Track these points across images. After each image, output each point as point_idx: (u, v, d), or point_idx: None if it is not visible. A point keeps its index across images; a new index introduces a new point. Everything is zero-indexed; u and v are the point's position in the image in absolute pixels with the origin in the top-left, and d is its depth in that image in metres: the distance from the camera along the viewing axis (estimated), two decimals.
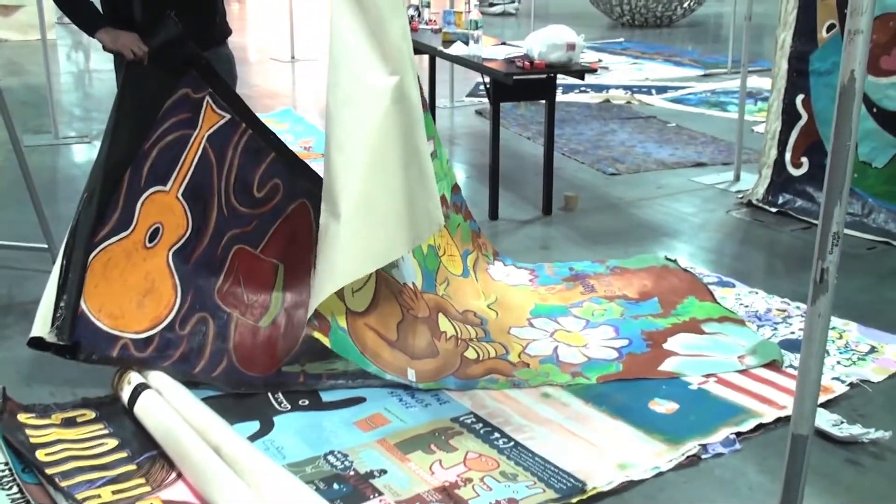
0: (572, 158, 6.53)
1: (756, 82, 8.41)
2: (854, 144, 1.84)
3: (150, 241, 3.33)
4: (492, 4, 15.78)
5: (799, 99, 5.22)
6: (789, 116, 5.30)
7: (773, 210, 5.30)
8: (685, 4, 14.43)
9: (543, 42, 4.99)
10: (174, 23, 3.39)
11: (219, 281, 3.43)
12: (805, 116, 5.21)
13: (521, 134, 7.23)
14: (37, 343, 3.10)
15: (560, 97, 5.57)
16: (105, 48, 3.56)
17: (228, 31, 3.93)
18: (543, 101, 5.26)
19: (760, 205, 5.39)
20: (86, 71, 10.91)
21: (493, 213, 5.27)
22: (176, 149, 3.41)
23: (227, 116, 3.50)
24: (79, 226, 3.21)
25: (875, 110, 4.85)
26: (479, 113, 7.82)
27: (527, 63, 5.00)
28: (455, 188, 4.39)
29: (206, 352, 3.25)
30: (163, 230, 3.36)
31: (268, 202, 3.57)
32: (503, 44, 5.83)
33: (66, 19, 13.28)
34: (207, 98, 3.47)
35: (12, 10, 8.29)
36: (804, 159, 5.24)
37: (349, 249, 3.13)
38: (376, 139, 3.18)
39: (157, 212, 3.36)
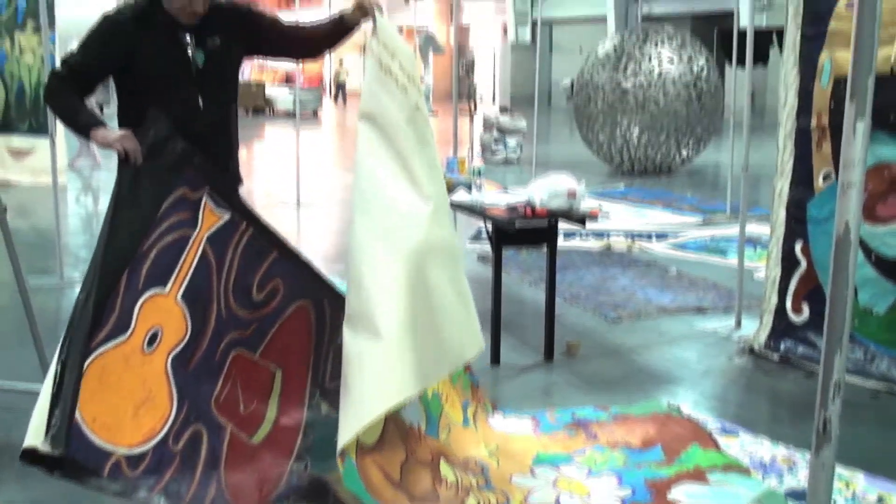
0: (574, 304, 6.56)
1: (755, 229, 8.50)
2: (852, 292, 1.86)
3: (149, 346, 3.21)
4: (494, 152, 16.10)
5: (798, 246, 5.28)
6: (788, 263, 5.35)
7: (776, 357, 5.29)
8: (684, 153, 14.72)
9: (545, 189, 5.08)
10: (162, 119, 3.34)
11: (216, 388, 3.33)
12: (804, 263, 5.25)
13: (522, 279, 7.28)
14: (30, 456, 2.94)
15: (561, 243, 5.63)
16: (98, 146, 3.53)
17: (240, 181, 3.95)
18: (545, 247, 5.32)
19: (763, 351, 5.38)
20: (94, 214, 11.07)
21: (495, 358, 5.25)
22: (175, 250, 3.31)
23: (227, 216, 3.44)
24: (75, 329, 3.09)
25: (873, 257, 4.90)
26: (481, 258, 7.88)
27: (529, 210, 5.08)
28: None
29: (197, 474, 3.14)
30: (162, 334, 3.25)
31: (267, 304, 3.51)
32: (505, 191, 5.93)
33: (78, 163, 13.46)
34: (206, 198, 3.40)
35: (24, 154, 8.46)
36: (805, 306, 5.26)
37: (398, 369, 3.18)
38: (415, 263, 3.30)
39: (156, 315, 3.24)
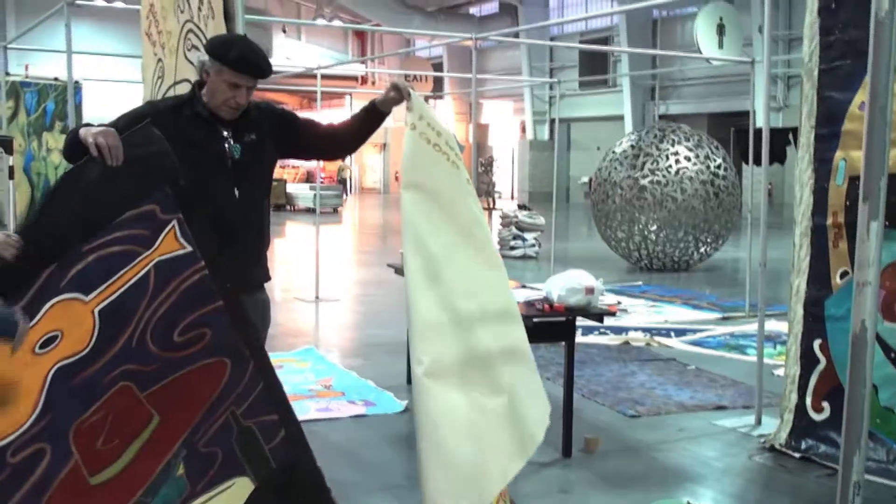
0: (592, 400, 6.52)
1: (775, 326, 8.49)
2: (869, 390, 1.86)
3: (42, 348, 2.95)
4: (513, 248, 16.19)
5: (816, 344, 5.26)
6: (808, 361, 5.32)
7: (797, 455, 5.23)
8: (702, 249, 14.76)
9: (563, 286, 5.11)
10: (157, 133, 3.19)
11: (86, 413, 3.02)
12: (823, 361, 5.23)
13: (540, 375, 7.24)
14: None
15: (580, 339, 5.64)
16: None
17: (268, 277, 3.97)
18: (563, 343, 5.32)
19: (783, 450, 5.33)
20: None
21: None
22: (116, 262, 3.05)
23: (188, 249, 3.19)
24: None
25: (893, 356, 4.88)
26: None
27: (546, 306, 5.10)
28: None
29: (18, 495, 2.86)
30: (60, 340, 2.98)
31: (184, 349, 3.18)
32: (523, 287, 5.96)
33: None
34: (175, 223, 3.16)
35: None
36: (825, 404, 5.22)
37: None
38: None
39: (64, 320, 2.98)
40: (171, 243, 3.16)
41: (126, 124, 3.38)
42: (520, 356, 3.83)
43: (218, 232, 3.48)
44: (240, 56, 3.55)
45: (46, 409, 2.92)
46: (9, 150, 9.15)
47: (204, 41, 4.63)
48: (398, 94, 3.69)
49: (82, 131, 3.13)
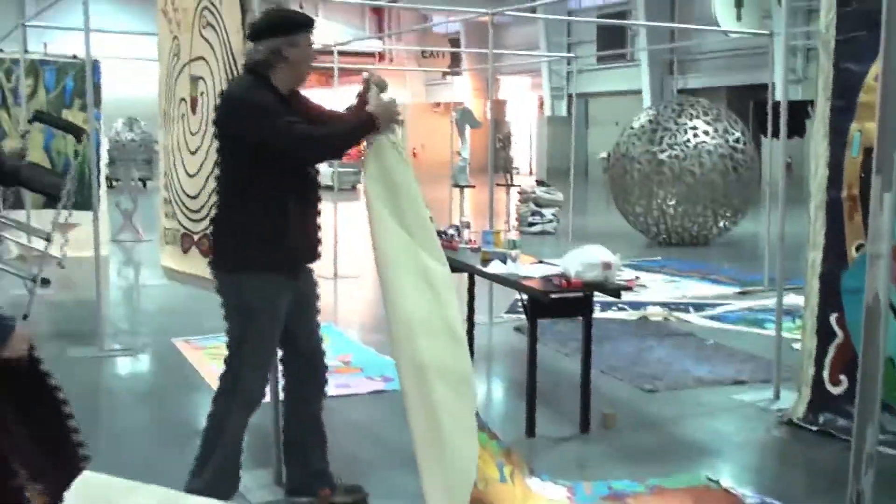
0: (610, 375, 6.53)
1: (794, 300, 8.45)
2: (883, 362, 1.86)
3: None
4: (531, 224, 16.17)
5: (833, 317, 5.25)
6: (825, 335, 5.31)
7: (815, 429, 5.23)
8: (720, 224, 14.70)
9: (580, 261, 5.10)
10: None
11: None
12: (841, 334, 5.21)
13: (558, 350, 7.27)
14: None
15: (598, 314, 5.65)
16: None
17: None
18: (581, 318, 5.33)
19: (801, 423, 5.33)
20: (135, 286, 11.24)
21: (531, 431, 5.24)
22: None
23: None
24: None
25: None
26: (517, 329, 7.89)
27: (564, 282, 5.10)
28: None
29: None
30: None
31: None
32: (541, 262, 5.96)
33: (122, 236, 13.64)
34: None
35: (69, 227, 8.70)
36: (843, 377, 5.20)
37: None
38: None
39: None
40: None
41: (279, 110, 3.70)
42: (451, 377, 3.77)
43: (314, 207, 3.95)
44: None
45: None
46: (79, 139, 9.28)
47: (219, 18, 4.64)
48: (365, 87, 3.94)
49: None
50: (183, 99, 5.12)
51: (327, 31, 32.92)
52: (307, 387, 4.17)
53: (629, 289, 5.31)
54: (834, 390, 5.25)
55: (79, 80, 10.92)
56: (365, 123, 3.78)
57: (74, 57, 11.19)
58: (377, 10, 43.11)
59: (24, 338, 2.80)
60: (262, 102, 3.71)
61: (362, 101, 3.94)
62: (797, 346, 6.48)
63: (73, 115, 10.90)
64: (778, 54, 13.42)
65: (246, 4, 4.42)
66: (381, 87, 3.91)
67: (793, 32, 21.35)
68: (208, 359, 6.75)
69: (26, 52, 10.86)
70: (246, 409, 3.96)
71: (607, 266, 5.07)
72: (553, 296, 5.06)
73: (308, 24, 3.83)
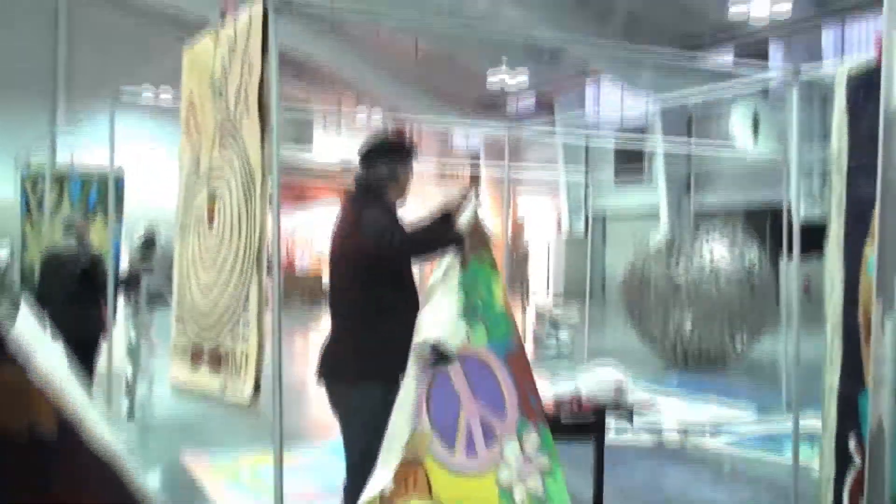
0: (624, 500, 6.40)
1: (814, 424, 8.31)
2: (890, 487, 1.82)
3: None
4: (546, 347, 16.06)
5: (852, 443, 5.15)
6: (842, 461, 5.20)
7: None
8: (738, 346, 14.58)
9: (591, 382, 5.06)
10: None
11: None
12: (859, 461, 5.11)
13: (572, 473, 7.13)
14: None
15: (612, 437, 5.56)
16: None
17: None
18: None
19: None
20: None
21: None
22: None
23: None
24: None
25: None
26: None
27: (575, 405, 5.04)
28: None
29: None
30: None
31: None
32: (553, 384, 5.90)
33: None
34: None
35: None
36: None
37: None
38: None
39: None
40: None
41: (390, 230, 4.10)
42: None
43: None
44: None
45: None
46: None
47: (238, 139, 4.72)
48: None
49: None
50: (200, 213, 5.18)
51: (349, 147, 33.50)
52: None
53: (643, 411, 5.25)
54: None
55: (103, 191, 11.09)
56: (453, 241, 4.16)
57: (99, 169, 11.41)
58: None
59: None
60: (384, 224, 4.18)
61: (453, 215, 4.29)
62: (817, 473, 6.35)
63: (95, 229, 11.06)
64: (792, 175, 13.50)
65: (265, 116, 4.47)
66: (476, 208, 4.30)
67: (809, 154, 21.59)
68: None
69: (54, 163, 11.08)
70: None
71: (619, 388, 5.03)
72: (564, 420, 4.99)
73: (414, 150, 4.42)
